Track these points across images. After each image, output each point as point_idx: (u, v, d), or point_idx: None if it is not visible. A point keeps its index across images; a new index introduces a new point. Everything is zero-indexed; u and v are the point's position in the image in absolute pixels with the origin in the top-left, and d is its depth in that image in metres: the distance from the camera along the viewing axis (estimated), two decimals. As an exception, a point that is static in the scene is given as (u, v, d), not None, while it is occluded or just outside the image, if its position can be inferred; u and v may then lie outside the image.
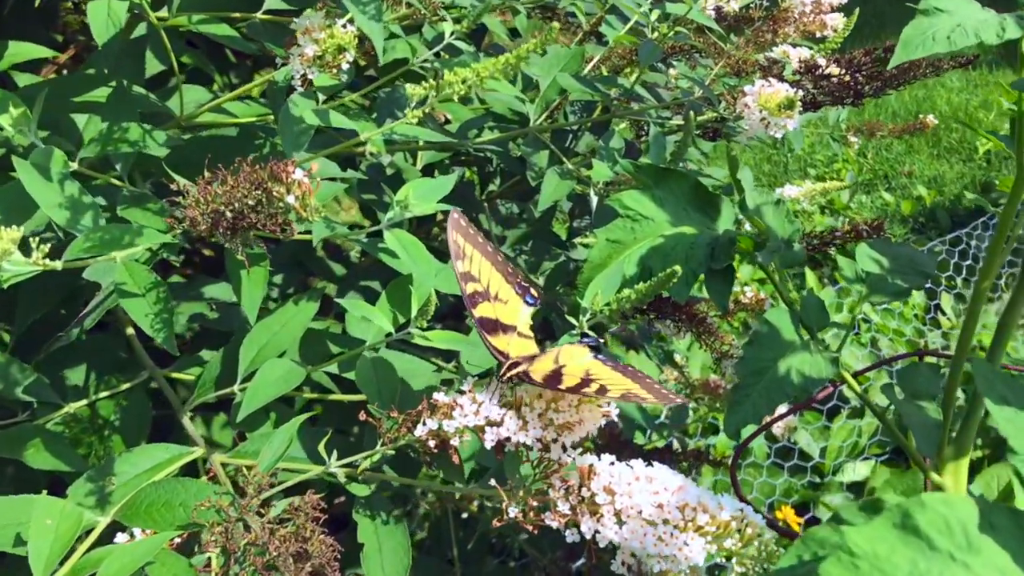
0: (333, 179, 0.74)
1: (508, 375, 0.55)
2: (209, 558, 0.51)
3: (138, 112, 0.70)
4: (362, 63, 1.38)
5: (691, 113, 0.86)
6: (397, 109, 0.97)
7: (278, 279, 1.24)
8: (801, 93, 0.88)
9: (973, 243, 2.54)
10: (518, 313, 0.61)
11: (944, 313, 2.34)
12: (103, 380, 0.75)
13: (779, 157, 3.64)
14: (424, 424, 0.52)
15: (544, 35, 0.61)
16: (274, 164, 0.45)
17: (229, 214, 0.48)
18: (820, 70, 0.93)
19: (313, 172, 0.44)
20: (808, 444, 1.87)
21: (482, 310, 0.58)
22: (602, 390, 0.52)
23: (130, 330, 0.81)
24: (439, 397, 0.53)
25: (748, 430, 0.85)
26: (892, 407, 0.91)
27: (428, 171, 1.31)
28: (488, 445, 0.52)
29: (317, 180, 0.44)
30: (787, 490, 1.81)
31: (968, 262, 2.44)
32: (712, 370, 1.59)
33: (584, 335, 0.60)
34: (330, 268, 1.27)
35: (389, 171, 1.23)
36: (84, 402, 0.73)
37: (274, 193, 0.45)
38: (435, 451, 0.52)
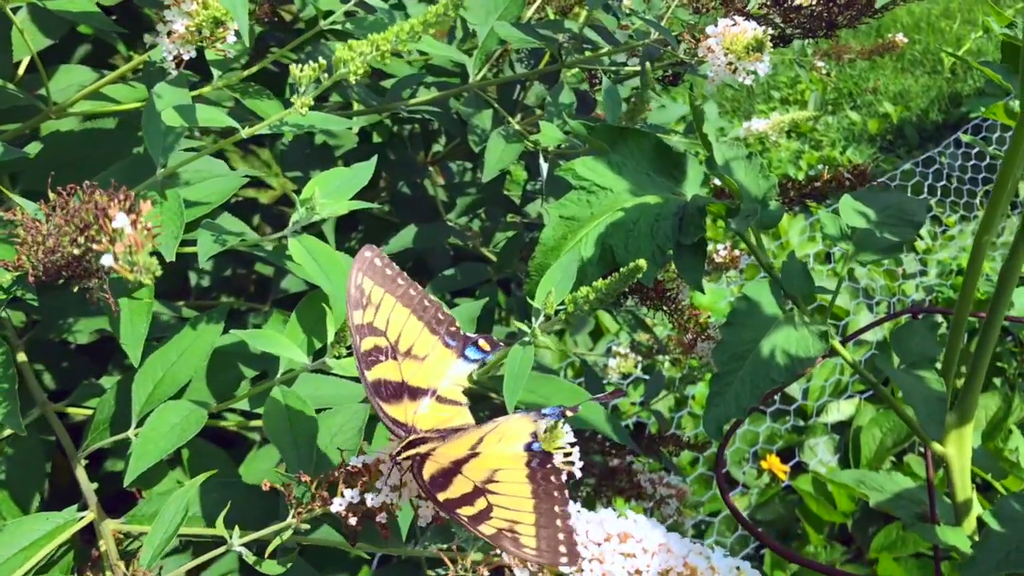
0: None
1: (402, 456, 0.43)
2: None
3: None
4: (287, 16, 1.25)
5: (647, 64, 0.76)
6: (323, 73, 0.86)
7: (208, 265, 1.13)
8: (771, 31, 0.78)
9: (946, 161, 2.45)
10: (442, 371, 0.48)
11: (920, 236, 2.27)
12: (-18, 425, 0.64)
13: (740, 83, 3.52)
14: (342, 496, 0.42)
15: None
16: (99, 200, 0.34)
17: (61, 259, 0.37)
18: (789, 2, 0.82)
19: (145, 213, 0.33)
20: (790, 386, 1.80)
21: (381, 371, 0.46)
22: (482, 515, 0.41)
23: (21, 356, 0.70)
24: (356, 462, 0.43)
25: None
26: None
27: (364, 135, 1.19)
28: (423, 523, 0.42)
29: (146, 226, 0.33)
30: (770, 436, 1.74)
31: (943, 183, 2.36)
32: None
33: (541, 412, 0.46)
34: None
35: (319, 139, 1.11)
36: (-43, 456, 0.63)
37: (93, 247, 0.34)
38: (358, 528, 0.43)
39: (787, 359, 0.71)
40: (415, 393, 0.47)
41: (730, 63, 0.77)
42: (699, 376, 1.12)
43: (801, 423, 1.78)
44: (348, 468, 0.43)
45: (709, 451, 1.21)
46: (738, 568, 0.42)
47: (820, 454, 1.72)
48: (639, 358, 1.24)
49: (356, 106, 1.01)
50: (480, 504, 0.42)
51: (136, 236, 0.33)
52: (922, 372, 0.77)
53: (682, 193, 0.75)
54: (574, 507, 0.45)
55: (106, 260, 0.33)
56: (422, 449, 0.44)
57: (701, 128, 0.80)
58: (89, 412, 0.64)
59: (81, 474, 0.58)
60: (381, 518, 0.43)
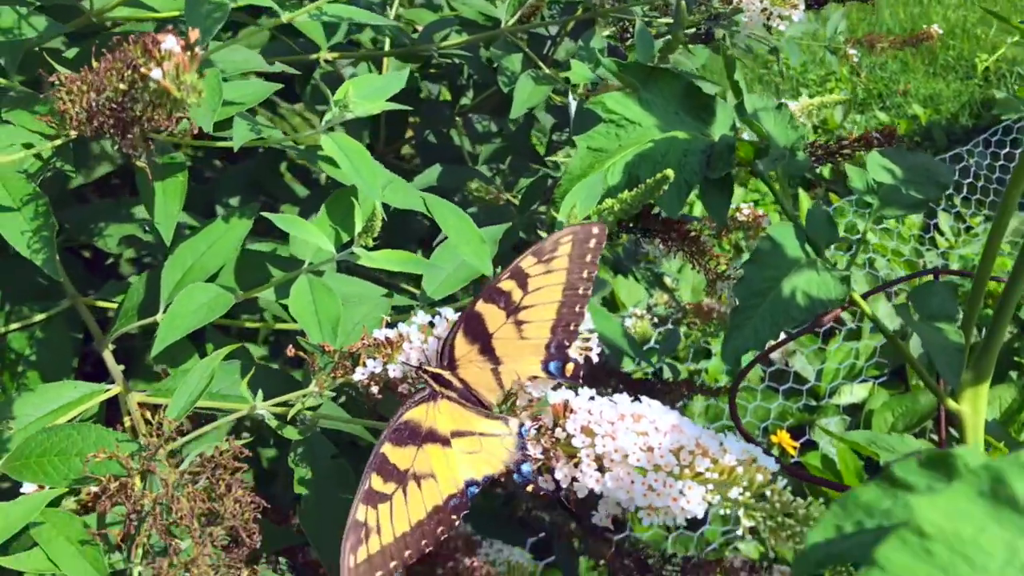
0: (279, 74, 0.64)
1: (425, 374, 0.44)
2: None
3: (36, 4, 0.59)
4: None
5: (682, 2, 0.76)
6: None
7: (234, 201, 1.14)
8: (807, -21, 0.78)
9: (974, 160, 2.44)
10: (521, 357, 0.46)
11: (942, 233, 2.26)
12: (15, 311, 0.66)
13: (770, 77, 3.51)
14: (365, 366, 0.43)
15: None
16: (147, 36, 0.35)
17: (105, 104, 0.38)
18: (827, -47, 0.83)
19: (192, 40, 0.34)
20: (803, 367, 1.80)
21: (487, 311, 0.45)
22: (369, 532, 0.39)
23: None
24: (379, 335, 0.44)
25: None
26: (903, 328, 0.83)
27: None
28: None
29: (195, 51, 0.34)
30: (782, 413, 1.74)
31: (969, 180, 2.35)
32: (704, 293, 1.50)
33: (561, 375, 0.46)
34: (292, 190, 1.17)
35: (350, 81, 1.12)
36: (-10, 335, 0.64)
37: (141, 71, 0.35)
38: (379, 396, 0.43)
39: (807, 300, 0.72)
40: (489, 352, 0.45)
41: (764, 9, 0.77)
42: (715, 334, 1.12)
43: (813, 403, 1.78)
44: (373, 339, 0.44)
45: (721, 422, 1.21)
46: (750, 452, 0.42)
47: (831, 434, 1.72)
48: (656, 319, 1.24)
49: (388, 46, 1.02)
50: (383, 510, 0.40)
51: (183, 57, 0.34)
52: (941, 324, 0.77)
53: (710, 134, 0.75)
54: (587, 392, 0.46)
55: (155, 74, 0.34)
56: (436, 387, 0.43)
57: (732, 76, 0.81)
58: (116, 305, 0.65)
59: (108, 356, 0.59)
60: (403, 388, 0.43)
